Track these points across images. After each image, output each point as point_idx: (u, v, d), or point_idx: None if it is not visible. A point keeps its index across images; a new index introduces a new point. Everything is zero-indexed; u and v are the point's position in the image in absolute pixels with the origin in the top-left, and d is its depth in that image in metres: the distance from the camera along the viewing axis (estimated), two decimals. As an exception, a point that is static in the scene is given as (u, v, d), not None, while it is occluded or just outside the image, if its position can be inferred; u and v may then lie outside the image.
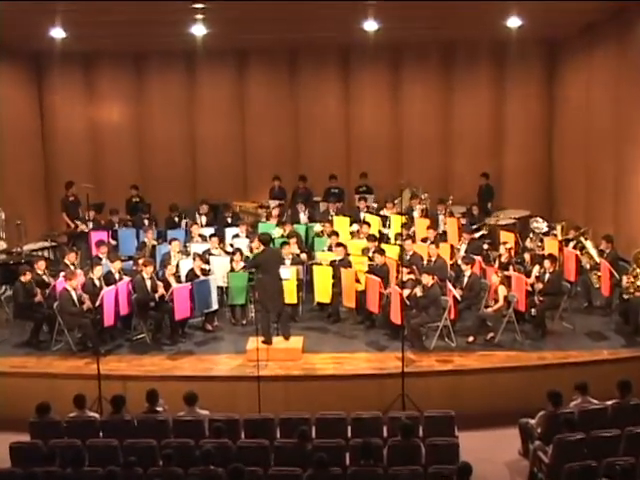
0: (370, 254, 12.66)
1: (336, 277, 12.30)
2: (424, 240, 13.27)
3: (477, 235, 14.32)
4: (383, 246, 12.92)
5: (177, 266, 12.48)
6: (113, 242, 14.29)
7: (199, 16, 12.85)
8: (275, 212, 14.94)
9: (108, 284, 11.73)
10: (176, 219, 15.17)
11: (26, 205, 15.76)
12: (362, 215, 14.78)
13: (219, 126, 17.51)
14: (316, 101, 17.46)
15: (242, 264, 12.41)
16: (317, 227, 14.30)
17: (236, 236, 14.02)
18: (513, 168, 17.18)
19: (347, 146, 17.65)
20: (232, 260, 12.52)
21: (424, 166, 17.04)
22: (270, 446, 8.30)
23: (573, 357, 10.81)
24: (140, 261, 12.18)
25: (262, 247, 11.45)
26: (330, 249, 13.05)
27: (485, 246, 13.59)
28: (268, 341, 11.05)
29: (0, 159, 15.65)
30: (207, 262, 12.61)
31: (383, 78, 17.33)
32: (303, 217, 15.28)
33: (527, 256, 12.71)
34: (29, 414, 8.99)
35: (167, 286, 11.80)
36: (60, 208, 15.72)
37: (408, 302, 11.32)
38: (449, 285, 11.64)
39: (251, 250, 13.02)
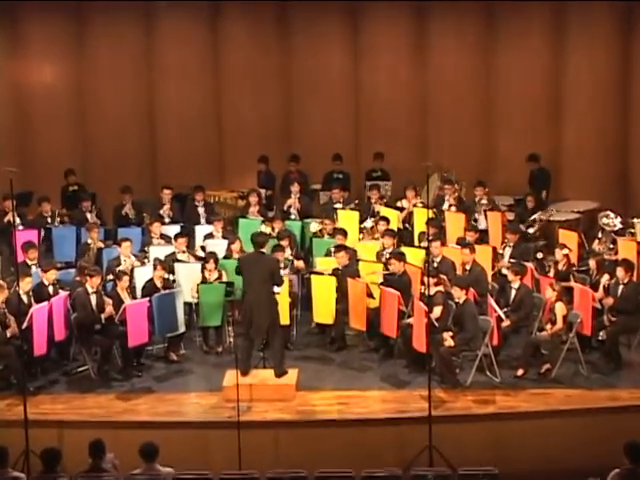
0: (386, 256, 12.65)
1: (341, 290, 12.32)
2: (460, 242, 13.22)
3: (531, 231, 14.32)
4: (403, 249, 12.92)
5: (131, 276, 12.48)
6: (46, 244, 14.29)
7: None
8: (253, 199, 14.91)
9: (39, 300, 11.74)
10: (129, 209, 15.13)
11: None
12: (372, 209, 14.71)
13: (186, 92, 17.48)
14: (314, 59, 17.43)
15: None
16: (313, 225, 14.27)
17: (209, 236, 14.03)
18: (576, 147, 17.16)
19: (356, 118, 17.65)
20: (204, 268, 12.55)
21: (457, 144, 17.07)
22: (254, 514, 8.33)
23: (656, 397, 10.86)
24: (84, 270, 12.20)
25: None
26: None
27: (539, 254, 13.58)
28: (242, 371, 11.03)
29: None
30: (171, 271, 12.62)
31: (403, 28, 17.29)
32: (292, 199, 15.20)
33: (593, 262, 12.70)
34: None
35: (117, 303, 11.80)
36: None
37: (437, 324, 11.33)
38: (491, 301, 11.64)
39: (229, 255, 13.06)
